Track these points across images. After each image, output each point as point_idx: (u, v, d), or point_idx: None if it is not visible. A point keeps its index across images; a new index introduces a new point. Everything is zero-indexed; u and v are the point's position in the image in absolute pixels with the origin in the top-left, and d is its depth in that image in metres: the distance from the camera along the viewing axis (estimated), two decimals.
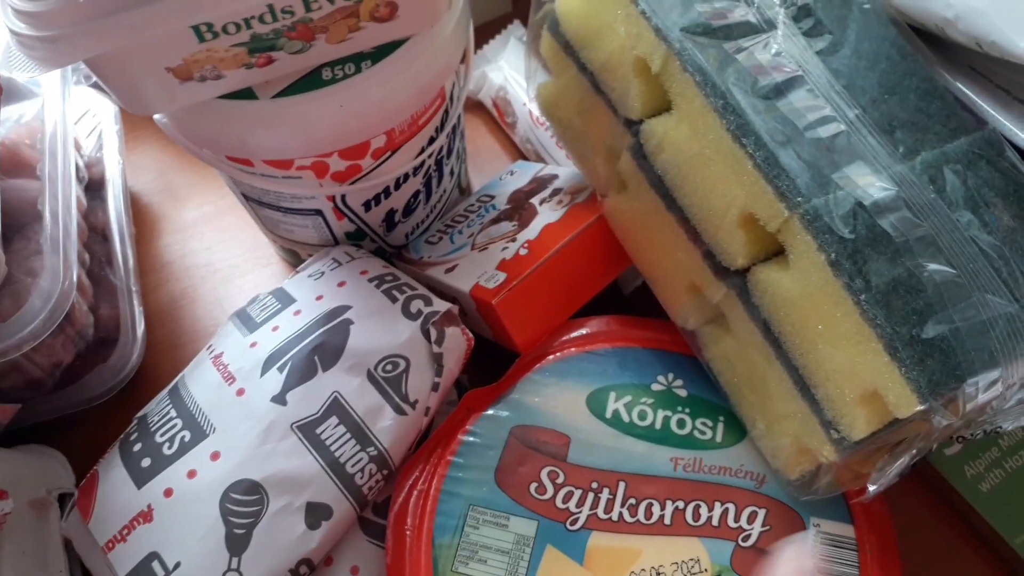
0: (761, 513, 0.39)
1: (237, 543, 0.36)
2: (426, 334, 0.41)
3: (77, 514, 0.40)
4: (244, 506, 0.37)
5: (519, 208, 0.50)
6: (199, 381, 0.42)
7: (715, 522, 0.39)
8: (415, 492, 0.39)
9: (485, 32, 0.66)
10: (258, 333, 0.43)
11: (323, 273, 0.46)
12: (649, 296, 0.44)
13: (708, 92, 0.33)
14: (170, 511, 0.37)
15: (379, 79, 0.39)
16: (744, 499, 0.39)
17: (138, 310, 0.52)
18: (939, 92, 0.36)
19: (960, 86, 0.37)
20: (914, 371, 0.30)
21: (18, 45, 0.32)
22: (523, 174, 0.55)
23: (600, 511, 0.39)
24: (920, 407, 0.30)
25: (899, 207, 0.32)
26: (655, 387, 0.42)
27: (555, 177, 0.52)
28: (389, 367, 0.40)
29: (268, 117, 0.39)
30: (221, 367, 0.42)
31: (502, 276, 0.43)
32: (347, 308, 0.42)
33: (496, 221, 0.50)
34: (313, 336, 0.41)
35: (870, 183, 0.32)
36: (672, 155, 0.36)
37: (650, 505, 0.39)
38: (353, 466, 0.38)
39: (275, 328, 0.43)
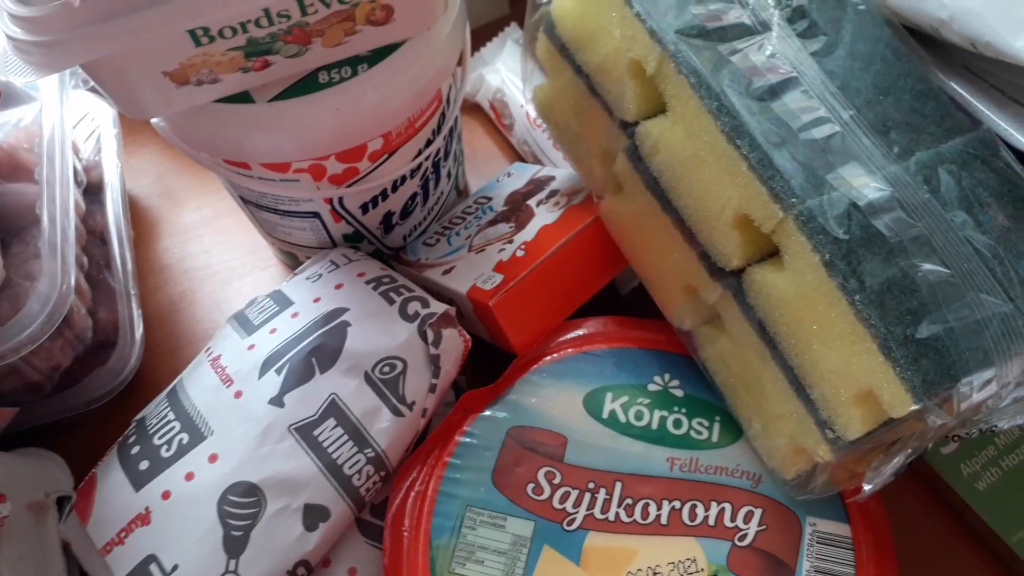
0: (757, 513, 0.39)
1: (235, 545, 0.36)
2: (423, 336, 0.41)
3: (75, 517, 0.40)
4: (242, 508, 0.37)
5: (516, 210, 0.50)
6: (197, 384, 0.42)
7: (711, 522, 0.39)
8: (412, 493, 0.40)
9: (482, 34, 0.67)
10: (256, 335, 0.43)
11: (321, 275, 0.46)
12: (646, 297, 0.44)
13: (703, 94, 0.34)
14: (168, 513, 0.37)
15: (376, 82, 0.39)
16: (740, 499, 0.39)
17: (136, 313, 0.52)
18: (934, 92, 0.36)
19: (955, 86, 0.37)
20: (908, 371, 0.30)
21: (14, 50, 0.32)
22: (520, 176, 0.55)
23: (597, 511, 0.39)
24: (914, 407, 0.30)
25: (893, 207, 0.32)
26: (651, 387, 0.42)
27: (552, 179, 0.52)
28: (386, 369, 0.40)
29: (265, 120, 0.39)
30: (219, 369, 0.42)
31: (499, 278, 0.43)
32: (345, 310, 0.42)
33: (493, 223, 0.50)
34: (311, 338, 0.41)
35: (864, 184, 0.32)
36: (667, 157, 0.36)
37: (647, 505, 0.39)
38: (350, 468, 0.38)
39: (273, 330, 0.43)
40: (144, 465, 0.39)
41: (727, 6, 0.36)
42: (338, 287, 0.44)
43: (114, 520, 0.38)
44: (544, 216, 0.47)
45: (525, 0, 0.43)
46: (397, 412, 0.40)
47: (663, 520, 0.39)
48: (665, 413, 0.41)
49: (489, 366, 0.46)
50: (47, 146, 0.47)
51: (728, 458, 0.40)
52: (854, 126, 0.34)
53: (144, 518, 0.38)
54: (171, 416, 0.41)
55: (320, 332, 0.41)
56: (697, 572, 0.38)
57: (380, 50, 0.39)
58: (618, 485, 0.40)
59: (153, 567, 0.36)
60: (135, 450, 0.40)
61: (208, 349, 0.44)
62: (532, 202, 0.50)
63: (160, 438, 0.40)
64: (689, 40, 0.34)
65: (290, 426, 0.39)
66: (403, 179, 0.47)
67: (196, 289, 0.59)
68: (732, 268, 0.35)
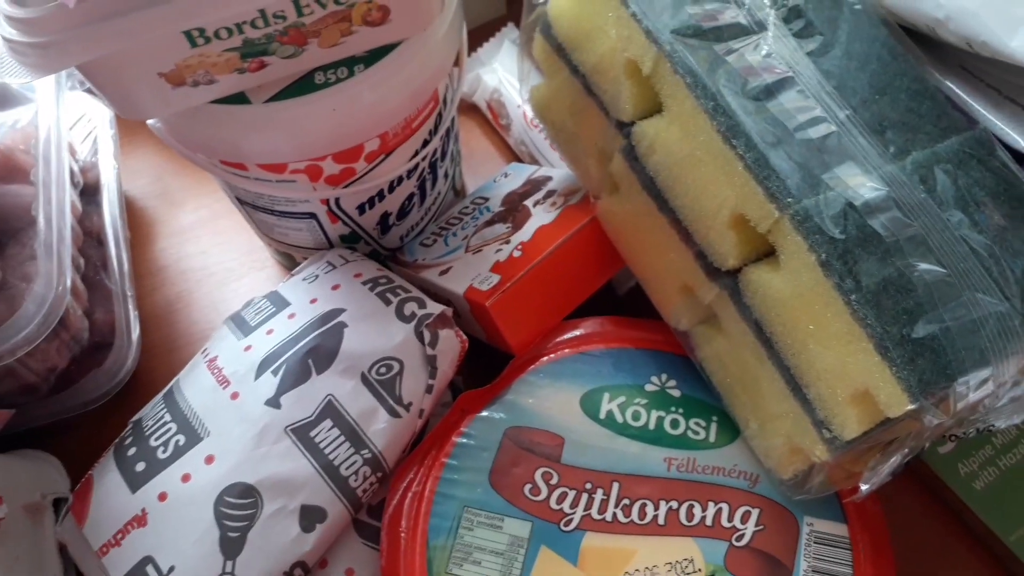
0: (755, 513, 0.39)
1: (231, 546, 0.36)
2: (420, 336, 0.41)
3: (72, 519, 0.40)
4: (238, 509, 0.37)
5: (513, 210, 0.50)
6: (194, 385, 0.42)
7: (709, 522, 0.39)
8: (409, 494, 0.39)
9: (479, 35, 0.67)
10: (252, 337, 0.43)
11: (317, 276, 0.46)
12: (643, 297, 0.44)
13: (699, 94, 0.34)
14: (164, 515, 0.37)
15: (372, 83, 0.39)
16: (738, 499, 0.39)
17: (133, 314, 0.52)
18: (930, 92, 0.36)
19: (951, 86, 0.37)
20: (904, 370, 0.30)
21: (9, 51, 0.32)
22: (517, 176, 0.55)
23: (594, 512, 0.39)
24: (911, 406, 0.30)
25: (889, 207, 0.32)
26: (649, 388, 0.42)
27: (549, 179, 0.52)
28: (383, 370, 0.40)
29: (261, 121, 0.39)
30: (215, 371, 0.42)
31: (496, 278, 0.43)
32: (341, 311, 0.42)
33: (490, 223, 0.50)
34: (307, 339, 0.41)
35: (860, 183, 0.32)
36: (663, 157, 0.36)
37: (644, 505, 0.39)
38: (347, 469, 0.38)
39: (269, 331, 0.43)
40: (140, 466, 0.39)
41: (723, 6, 0.36)
42: (335, 288, 0.44)
43: (111, 522, 0.38)
44: (541, 216, 0.47)
45: (522, 0, 0.43)
46: (394, 413, 0.40)
47: (660, 520, 0.39)
48: (662, 413, 0.41)
49: (486, 367, 0.46)
50: (43, 147, 0.47)
51: (725, 458, 0.40)
52: (850, 126, 0.34)
53: (141, 519, 0.37)
54: (167, 417, 0.41)
55: (317, 333, 0.41)
56: (695, 572, 0.38)
57: (376, 51, 0.39)
58: (615, 485, 0.40)
59: (150, 568, 0.36)
60: (131, 451, 0.40)
61: (205, 350, 0.44)
62: (529, 202, 0.50)
63: (156, 439, 0.40)
64: (685, 40, 0.34)
65: (287, 427, 0.38)
66: (400, 180, 0.47)
67: (193, 290, 0.59)
68: (728, 268, 0.35)
